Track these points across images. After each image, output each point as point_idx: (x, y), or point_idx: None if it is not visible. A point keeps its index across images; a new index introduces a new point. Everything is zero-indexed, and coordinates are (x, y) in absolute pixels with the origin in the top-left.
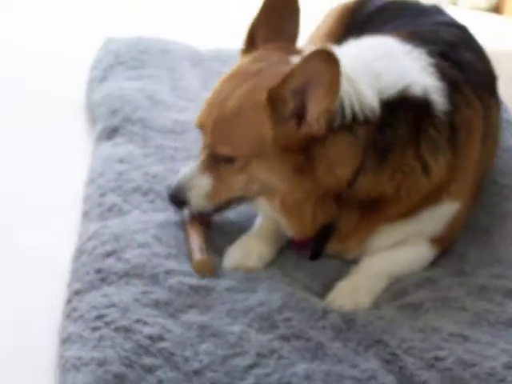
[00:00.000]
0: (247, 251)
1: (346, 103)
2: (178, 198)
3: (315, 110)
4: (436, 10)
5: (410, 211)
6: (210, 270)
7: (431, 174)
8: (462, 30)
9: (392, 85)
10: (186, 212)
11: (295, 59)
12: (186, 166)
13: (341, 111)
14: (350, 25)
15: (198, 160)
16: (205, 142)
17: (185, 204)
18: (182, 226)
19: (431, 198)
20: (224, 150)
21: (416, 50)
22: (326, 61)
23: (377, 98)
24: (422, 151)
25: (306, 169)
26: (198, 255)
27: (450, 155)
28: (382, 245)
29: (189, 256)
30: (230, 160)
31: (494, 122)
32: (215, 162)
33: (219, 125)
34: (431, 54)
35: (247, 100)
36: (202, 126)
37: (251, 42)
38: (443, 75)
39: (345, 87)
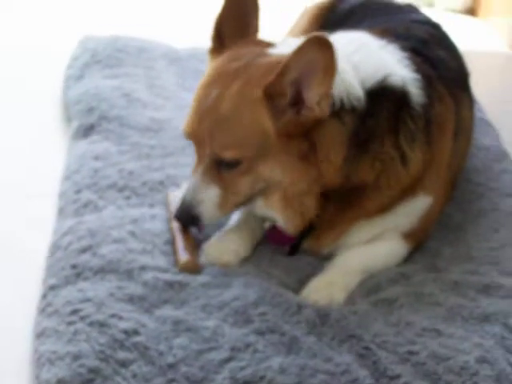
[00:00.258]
0: (223, 246)
1: (335, 91)
2: (187, 217)
3: (314, 95)
4: (410, 9)
5: (386, 205)
6: (196, 270)
7: (409, 164)
8: (436, 28)
9: (372, 75)
10: (173, 210)
11: (273, 51)
12: (186, 182)
13: None
14: (325, 24)
15: (195, 173)
16: (203, 151)
17: (197, 221)
18: (168, 224)
19: (408, 191)
20: (229, 154)
21: (390, 44)
22: (320, 46)
23: (361, 88)
24: (401, 141)
25: (310, 155)
26: (183, 256)
27: (425, 148)
28: (358, 240)
29: (174, 256)
30: (234, 164)
31: (466, 119)
32: (217, 169)
33: (217, 130)
34: (404, 49)
35: (242, 99)
36: (193, 136)
37: (219, 40)
38: (417, 69)
39: None
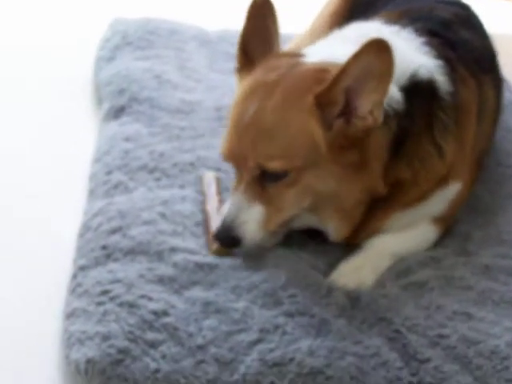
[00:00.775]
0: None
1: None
2: (228, 239)
3: (368, 103)
4: None
5: (422, 197)
6: (228, 255)
7: (445, 155)
8: (464, 8)
9: (402, 72)
10: (207, 191)
11: (305, 60)
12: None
13: None
14: (356, 4)
15: (236, 191)
16: (244, 168)
17: (238, 242)
18: (201, 206)
19: (442, 181)
20: (275, 165)
21: (404, 30)
22: (378, 51)
23: (397, 89)
24: (436, 136)
25: (361, 166)
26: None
27: (456, 135)
28: (391, 230)
29: (206, 238)
30: (280, 176)
31: (490, 100)
32: (260, 186)
33: (262, 141)
34: (420, 32)
35: (288, 108)
36: (233, 155)
37: (245, 58)
38: (437, 53)
39: None
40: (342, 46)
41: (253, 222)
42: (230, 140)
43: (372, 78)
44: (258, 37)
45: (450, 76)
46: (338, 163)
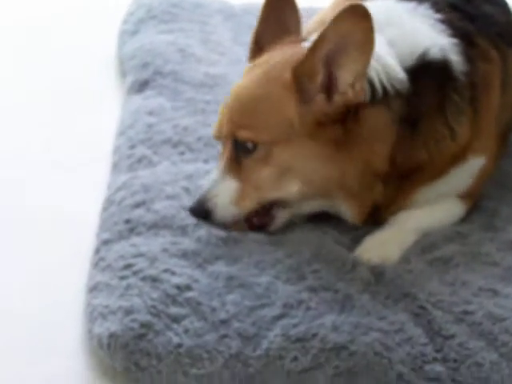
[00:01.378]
0: None
1: (374, 78)
2: (200, 211)
3: (348, 76)
4: None
5: (440, 173)
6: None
7: (457, 137)
8: None
9: (410, 52)
10: None
11: (306, 44)
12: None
13: (369, 86)
14: None
15: (217, 168)
16: (224, 142)
17: (210, 215)
18: None
19: (457, 159)
20: (242, 134)
21: (420, 5)
22: (356, 16)
23: (401, 68)
24: (448, 118)
25: (348, 142)
26: None
27: (471, 115)
28: (415, 206)
29: None
30: (250, 149)
31: None
32: (237, 160)
33: (236, 110)
34: (438, 7)
35: (266, 80)
36: (217, 131)
37: (257, 48)
38: (454, 30)
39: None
40: None
41: (225, 196)
42: (218, 119)
43: (351, 46)
44: (274, 27)
45: (466, 54)
46: (315, 140)
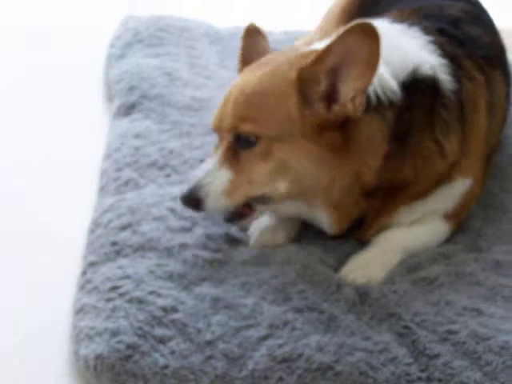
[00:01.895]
0: (274, 229)
1: (370, 87)
2: (190, 199)
3: (350, 90)
4: None
5: (425, 192)
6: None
7: (446, 154)
8: (473, 4)
9: (402, 68)
10: None
11: (315, 45)
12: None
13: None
14: (365, 1)
15: (212, 156)
16: (224, 132)
17: (200, 204)
18: None
19: (444, 178)
20: (245, 127)
21: (411, 28)
22: (365, 35)
23: (395, 82)
24: (437, 134)
25: (344, 149)
26: None
27: (460, 133)
28: (399, 225)
29: None
30: (251, 143)
31: (500, 95)
32: (234, 152)
33: (240, 103)
34: (427, 30)
35: (273, 77)
36: (216, 122)
37: (244, 64)
38: (443, 52)
39: None
40: None
41: (218, 185)
42: (218, 109)
43: (356, 63)
44: (255, 49)
45: (454, 74)
46: (314, 142)
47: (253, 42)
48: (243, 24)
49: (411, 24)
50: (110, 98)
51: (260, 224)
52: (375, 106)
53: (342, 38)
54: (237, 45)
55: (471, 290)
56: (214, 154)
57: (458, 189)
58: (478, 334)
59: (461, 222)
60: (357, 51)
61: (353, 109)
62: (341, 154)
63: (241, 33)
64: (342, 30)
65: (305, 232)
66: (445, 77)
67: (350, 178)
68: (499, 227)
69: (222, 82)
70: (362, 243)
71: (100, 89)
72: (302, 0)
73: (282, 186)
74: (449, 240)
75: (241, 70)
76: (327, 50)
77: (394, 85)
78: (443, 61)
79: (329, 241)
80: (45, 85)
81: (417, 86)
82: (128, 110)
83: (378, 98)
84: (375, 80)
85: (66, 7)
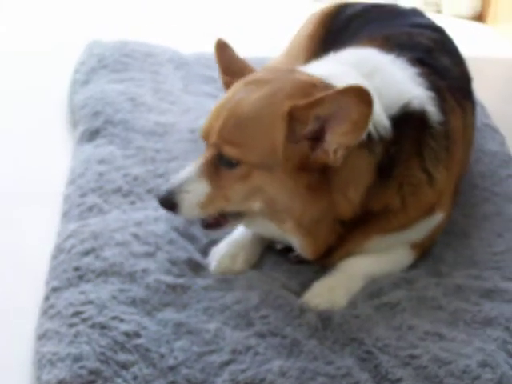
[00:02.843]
0: (234, 255)
1: None
2: (167, 201)
3: (334, 142)
4: (414, 12)
5: (409, 223)
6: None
7: (435, 183)
8: (439, 31)
9: (394, 101)
10: None
11: (305, 69)
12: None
13: None
14: (330, 29)
15: (195, 164)
16: (210, 144)
17: (175, 208)
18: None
19: (430, 209)
20: (230, 152)
21: (398, 59)
22: (359, 99)
23: (386, 117)
24: (426, 163)
25: (321, 188)
26: None
27: (446, 164)
28: (369, 252)
29: None
30: (233, 165)
31: (470, 126)
32: (216, 167)
33: (230, 124)
34: (411, 61)
35: (266, 105)
36: (206, 131)
37: (227, 76)
38: (429, 84)
39: None
40: (340, 67)
41: (194, 195)
42: (209, 117)
43: (346, 121)
44: (231, 60)
45: (440, 106)
46: (292, 178)
47: (226, 53)
48: (208, 50)
49: (398, 55)
50: (74, 124)
51: (219, 251)
52: (365, 141)
53: (338, 93)
54: (201, 70)
55: (433, 315)
56: (198, 161)
57: (434, 221)
58: (440, 358)
59: (425, 250)
60: (348, 111)
61: (333, 159)
62: (315, 193)
63: (206, 58)
64: (340, 87)
65: (266, 257)
66: (432, 109)
67: (323, 210)
68: (459, 252)
69: (186, 107)
70: (325, 268)
71: (64, 114)
72: (265, 27)
73: (256, 206)
74: (411, 265)
75: (226, 81)
76: (321, 100)
77: (385, 121)
78: (430, 93)
79: (292, 266)
80: (9, 110)
81: (406, 119)
82: (92, 135)
83: (369, 133)
84: None
85: (30, 32)
